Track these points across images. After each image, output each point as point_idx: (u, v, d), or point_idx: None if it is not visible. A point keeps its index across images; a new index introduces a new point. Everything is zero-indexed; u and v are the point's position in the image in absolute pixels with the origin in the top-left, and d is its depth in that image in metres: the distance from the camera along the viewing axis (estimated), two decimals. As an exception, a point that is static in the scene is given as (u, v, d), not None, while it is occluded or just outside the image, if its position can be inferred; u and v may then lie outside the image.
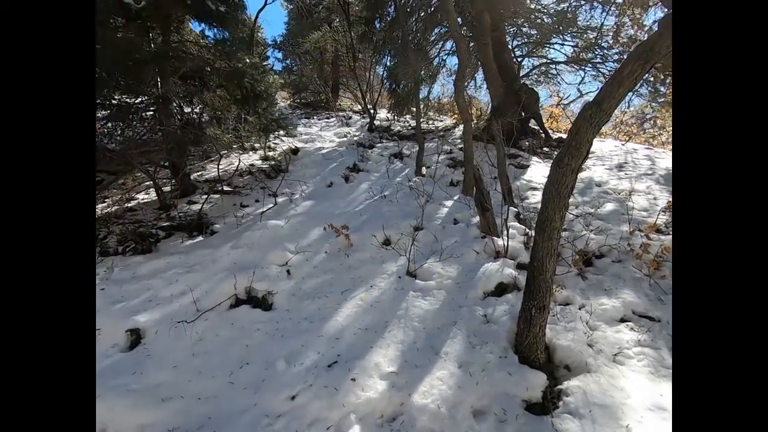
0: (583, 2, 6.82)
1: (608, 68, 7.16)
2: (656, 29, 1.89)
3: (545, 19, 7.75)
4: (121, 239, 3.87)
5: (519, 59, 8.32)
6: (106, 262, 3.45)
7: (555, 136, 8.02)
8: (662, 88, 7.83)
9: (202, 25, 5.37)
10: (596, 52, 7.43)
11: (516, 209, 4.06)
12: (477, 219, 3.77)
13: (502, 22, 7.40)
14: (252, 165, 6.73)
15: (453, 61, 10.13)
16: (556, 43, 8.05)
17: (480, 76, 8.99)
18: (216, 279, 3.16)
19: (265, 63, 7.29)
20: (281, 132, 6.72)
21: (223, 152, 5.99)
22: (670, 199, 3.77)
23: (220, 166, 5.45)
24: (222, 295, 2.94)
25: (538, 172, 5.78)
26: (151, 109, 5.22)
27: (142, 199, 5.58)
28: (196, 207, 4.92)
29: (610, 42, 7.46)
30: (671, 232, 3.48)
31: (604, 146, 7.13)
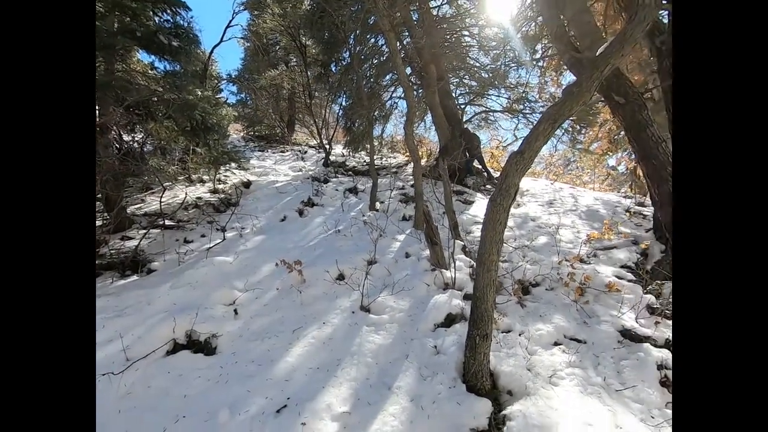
0: (512, 64, 7.95)
1: (535, 118, 8.28)
2: (561, 95, 2.33)
3: (483, 74, 8.86)
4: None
5: (462, 106, 9.28)
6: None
7: (496, 174, 8.87)
8: (580, 137, 9.18)
9: (152, 57, 5.28)
10: (525, 104, 8.60)
11: (462, 242, 4.36)
12: (427, 252, 3.96)
13: (446, 73, 8.29)
14: (199, 198, 6.42)
15: (404, 105, 10.95)
16: (492, 94, 9.19)
17: (429, 118, 9.81)
18: (151, 323, 2.89)
19: (218, 96, 7.25)
20: (233, 164, 6.60)
21: (167, 184, 5.68)
22: (591, 233, 4.34)
23: (163, 199, 5.14)
24: (157, 341, 2.69)
25: (481, 207, 6.29)
26: (86, 137, 4.84)
27: (65, 235, 4.99)
28: (131, 243, 4.52)
29: (536, 96, 8.72)
30: (591, 262, 3.98)
31: (537, 185, 8.01)
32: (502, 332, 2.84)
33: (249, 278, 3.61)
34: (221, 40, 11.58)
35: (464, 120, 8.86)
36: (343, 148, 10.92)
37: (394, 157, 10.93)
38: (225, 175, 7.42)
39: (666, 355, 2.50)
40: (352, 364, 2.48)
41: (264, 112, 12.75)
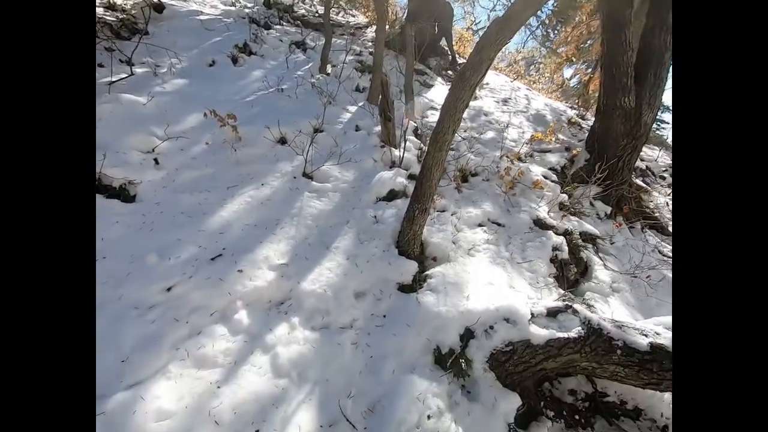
0: None
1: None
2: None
3: None
4: None
5: (442, -38, 7.66)
6: None
7: (460, 60, 8.22)
8: (552, 34, 8.64)
9: None
10: (512, -22, 7.45)
11: (415, 124, 4.21)
12: (378, 128, 3.76)
13: None
14: (88, 12, 4.78)
15: (374, -59, 8.62)
16: (479, -46, 7.64)
17: (401, -30, 8.03)
18: (43, 159, 2.39)
19: None
20: (135, -28, 4.82)
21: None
22: (533, 133, 4.52)
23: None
24: (56, 180, 2.28)
25: (439, 93, 5.96)
26: None
27: None
28: None
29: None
30: (526, 161, 4.27)
31: (497, 80, 7.73)
32: (438, 211, 3.06)
33: (170, 126, 3.08)
34: None
35: (441, -18, 7.47)
36: (291, -12, 8.68)
37: (353, 15, 9.20)
38: (125, -12, 5.49)
39: (561, 240, 3.02)
40: (292, 225, 2.50)
41: None
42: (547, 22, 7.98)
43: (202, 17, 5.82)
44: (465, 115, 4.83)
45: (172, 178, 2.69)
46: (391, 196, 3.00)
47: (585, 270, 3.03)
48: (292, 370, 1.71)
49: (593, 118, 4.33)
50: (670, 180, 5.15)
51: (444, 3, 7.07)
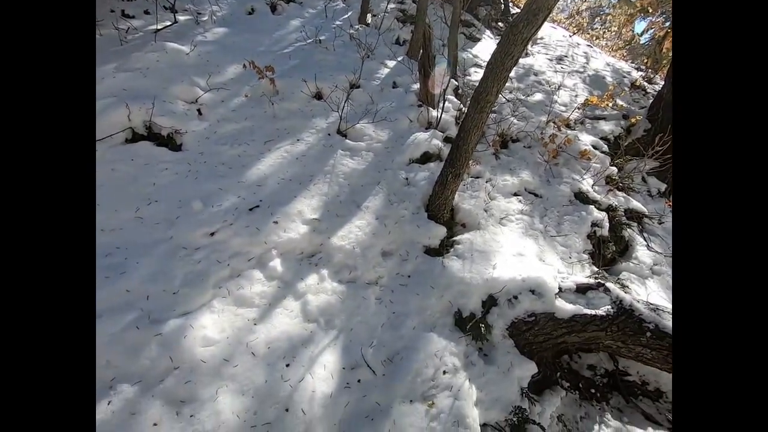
0: None
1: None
2: None
3: None
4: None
5: None
6: None
7: (514, 10, 7.39)
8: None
9: None
10: None
11: (456, 83, 3.96)
12: (417, 86, 3.59)
13: None
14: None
15: None
16: None
17: None
18: (100, 105, 2.56)
19: None
20: None
21: None
22: (588, 97, 4.10)
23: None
24: (111, 126, 2.46)
25: (486, 48, 5.48)
26: None
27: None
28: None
29: None
30: (576, 128, 3.92)
31: (553, 34, 6.93)
32: (472, 177, 2.96)
33: (212, 77, 3.13)
34: None
35: None
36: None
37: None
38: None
39: (602, 216, 2.84)
40: (325, 182, 2.55)
41: None
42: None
43: (241, -40, 5.60)
44: (512, 74, 4.45)
45: (214, 130, 2.79)
46: (425, 158, 2.93)
47: (625, 249, 2.87)
48: (320, 316, 1.85)
49: (662, 83, 3.81)
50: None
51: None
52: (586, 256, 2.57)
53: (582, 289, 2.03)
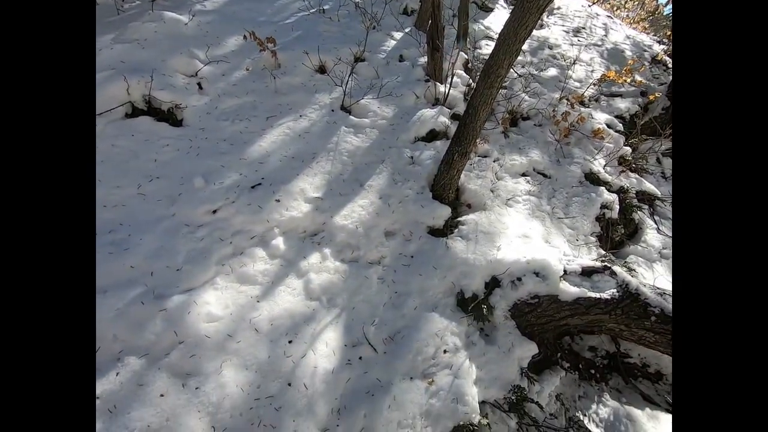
0: None
1: None
2: None
3: None
4: None
5: None
6: None
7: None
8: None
9: None
10: None
11: (466, 56, 3.78)
12: (424, 60, 3.43)
13: None
14: None
15: None
16: None
17: None
18: (99, 78, 2.50)
19: None
20: None
21: None
22: (604, 72, 3.89)
23: None
24: (111, 100, 2.40)
25: (499, 19, 5.19)
26: None
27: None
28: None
29: None
30: (590, 106, 3.75)
31: (571, 4, 6.52)
32: (479, 156, 2.88)
33: (212, 48, 3.02)
34: None
35: None
36: None
37: None
38: None
39: (613, 198, 2.77)
40: (328, 160, 2.49)
41: None
42: None
43: None
44: (525, 47, 4.23)
45: (214, 105, 2.72)
46: (431, 136, 2.84)
47: (634, 232, 2.81)
48: (322, 295, 1.86)
49: (686, 56, 3.59)
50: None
51: None
52: (593, 239, 2.52)
53: (587, 272, 2.01)
